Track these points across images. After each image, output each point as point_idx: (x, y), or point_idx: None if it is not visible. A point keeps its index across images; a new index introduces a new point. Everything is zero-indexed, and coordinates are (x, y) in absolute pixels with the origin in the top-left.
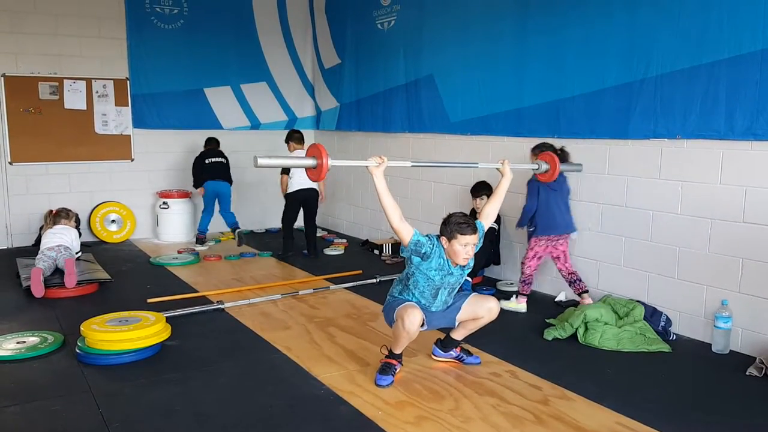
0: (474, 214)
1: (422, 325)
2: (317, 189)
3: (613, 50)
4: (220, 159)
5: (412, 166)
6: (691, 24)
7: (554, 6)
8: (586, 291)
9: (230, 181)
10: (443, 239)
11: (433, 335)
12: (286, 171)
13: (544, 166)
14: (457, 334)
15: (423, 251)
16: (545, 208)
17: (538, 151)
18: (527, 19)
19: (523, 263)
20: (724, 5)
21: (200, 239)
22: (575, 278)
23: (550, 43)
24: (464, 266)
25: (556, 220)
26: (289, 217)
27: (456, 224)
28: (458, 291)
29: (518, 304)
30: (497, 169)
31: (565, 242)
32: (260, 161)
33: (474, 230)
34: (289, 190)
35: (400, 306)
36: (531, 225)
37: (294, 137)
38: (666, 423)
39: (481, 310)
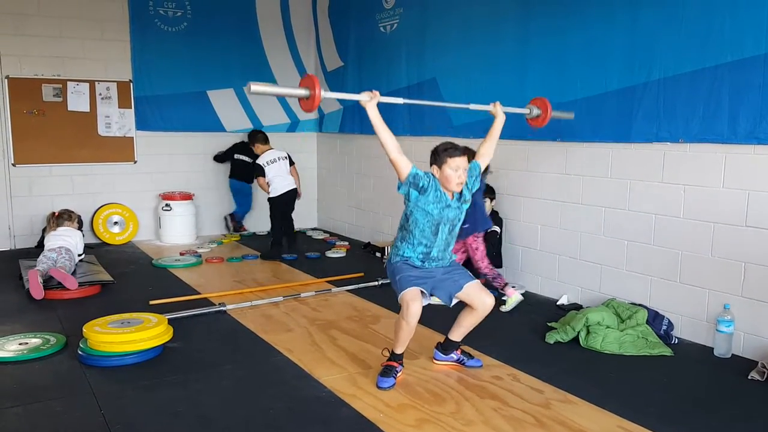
0: None
1: (423, 296)
2: (297, 188)
3: (616, 54)
4: (244, 158)
5: (404, 103)
6: (693, 27)
7: (556, 10)
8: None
9: (249, 181)
10: (434, 168)
11: (434, 340)
12: (261, 173)
13: (536, 111)
14: (455, 335)
15: (420, 184)
16: (480, 208)
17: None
18: (529, 22)
19: (480, 266)
20: (726, 9)
21: (233, 226)
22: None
23: (552, 47)
24: (461, 198)
25: (485, 216)
26: (278, 222)
27: (443, 150)
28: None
29: (512, 296)
30: (489, 111)
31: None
32: (253, 88)
33: (463, 152)
34: (273, 195)
35: (403, 292)
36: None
37: (258, 138)
38: (668, 427)
39: (477, 300)
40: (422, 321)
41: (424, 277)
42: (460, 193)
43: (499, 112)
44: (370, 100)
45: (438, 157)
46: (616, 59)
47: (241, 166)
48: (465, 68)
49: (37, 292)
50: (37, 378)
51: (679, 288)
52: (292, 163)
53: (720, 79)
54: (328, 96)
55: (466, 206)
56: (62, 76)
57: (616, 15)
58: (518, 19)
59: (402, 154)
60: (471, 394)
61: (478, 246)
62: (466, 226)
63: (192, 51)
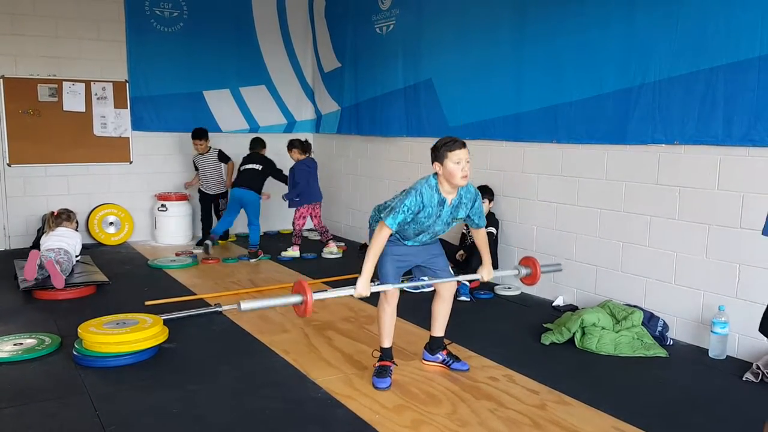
0: None
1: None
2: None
3: (611, 56)
4: (254, 165)
5: (394, 287)
6: (689, 30)
7: (552, 13)
8: (331, 239)
9: (258, 191)
10: (436, 165)
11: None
12: (224, 159)
13: (524, 271)
14: (435, 329)
15: (409, 219)
16: (306, 186)
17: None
18: (526, 24)
19: (294, 223)
20: (721, 12)
21: (208, 239)
22: (324, 230)
23: (548, 49)
24: (453, 212)
25: (314, 193)
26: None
27: (443, 144)
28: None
29: (293, 252)
30: (479, 279)
31: (317, 207)
32: (243, 306)
33: (463, 144)
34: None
35: (385, 289)
36: (297, 197)
37: (295, 145)
38: (663, 428)
39: (439, 284)
40: (416, 321)
41: (405, 260)
42: (458, 206)
43: (487, 277)
44: (364, 290)
45: (438, 152)
46: (612, 61)
47: (249, 174)
48: (461, 70)
49: (31, 272)
50: (31, 379)
51: (675, 289)
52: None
53: (715, 82)
54: (319, 298)
55: (453, 224)
56: (58, 76)
57: (611, 19)
58: (514, 21)
59: (380, 249)
60: (467, 395)
61: (318, 213)
62: (298, 199)
63: (188, 51)
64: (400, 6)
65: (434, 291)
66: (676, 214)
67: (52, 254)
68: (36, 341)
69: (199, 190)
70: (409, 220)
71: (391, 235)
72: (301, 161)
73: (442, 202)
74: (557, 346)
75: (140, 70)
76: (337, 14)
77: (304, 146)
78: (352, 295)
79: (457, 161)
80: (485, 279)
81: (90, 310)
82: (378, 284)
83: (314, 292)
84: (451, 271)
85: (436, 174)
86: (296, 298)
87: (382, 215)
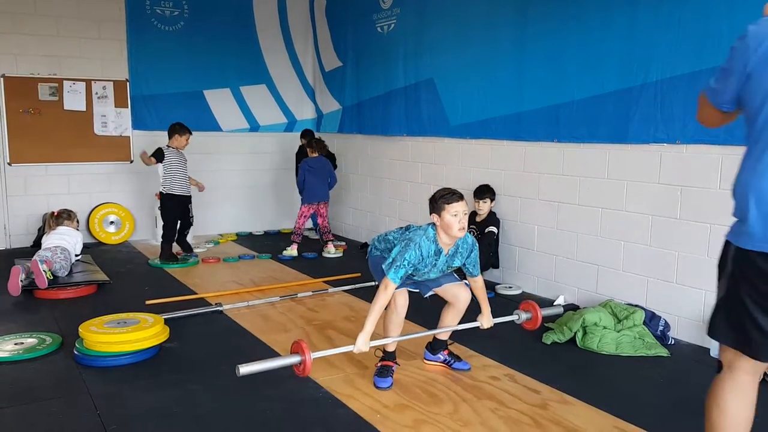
0: (475, 215)
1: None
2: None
3: (613, 56)
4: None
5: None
6: (690, 30)
7: (553, 12)
8: (331, 240)
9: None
10: (434, 217)
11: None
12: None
13: (524, 316)
14: (440, 334)
15: (416, 263)
16: (303, 183)
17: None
18: (527, 22)
19: (297, 222)
20: (723, 11)
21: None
22: (326, 230)
23: (549, 48)
24: (449, 260)
25: (316, 192)
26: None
27: (441, 197)
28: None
29: (291, 251)
30: (479, 326)
31: (322, 206)
32: (242, 370)
33: (460, 197)
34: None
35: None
36: (300, 193)
37: (309, 142)
38: (664, 427)
39: (450, 294)
40: (419, 322)
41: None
42: (453, 255)
43: (486, 325)
44: (363, 347)
45: (436, 204)
46: (614, 61)
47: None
48: (462, 69)
49: (14, 288)
50: (32, 378)
51: (676, 289)
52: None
53: None
54: (318, 356)
55: (447, 270)
56: (58, 75)
57: (613, 17)
58: (516, 21)
59: (384, 305)
60: (468, 395)
61: (323, 213)
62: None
63: (189, 50)
64: (401, 5)
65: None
66: (678, 213)
67: (48, 253)
68: (37, 340)
69: (169, 194)
70: (410, 272)
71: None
72: (307, 159)
73: (438, 252)
74: (558, 345)
75: (141, 69)
76: (338, 13)
77: (312, 144)
78: (352, 351)
79: (455, 213)
80: (484, 327)
81: (91, 310)
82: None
83: (312, 353)
84: (456, 275)
85: (434, 225)
86: (295, 359)
87: (383, 266)
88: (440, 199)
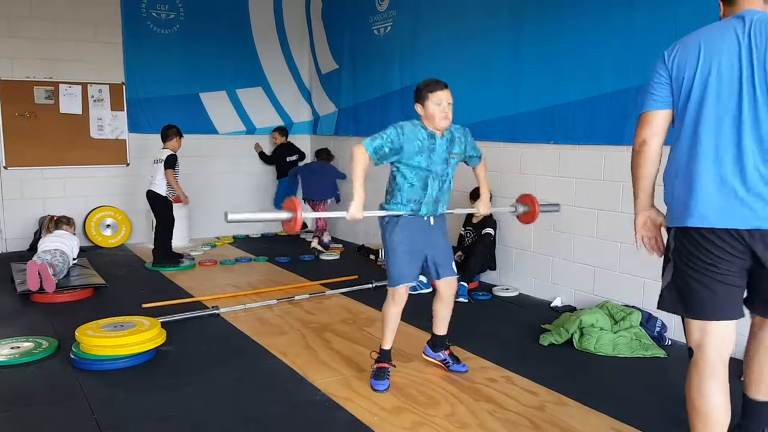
0: (471, 217)
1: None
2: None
3: (609, 57)
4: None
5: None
6: (687, 31)
7: (549, 14)
8: (319, 236)
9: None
10: (417, 107)
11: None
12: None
13: (522, 208)
14: (436, 328)
15: (389, 149)
16: (306, 183)
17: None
18: (523, 24)
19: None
20: (719, 12)
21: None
22: (322, 229)
23: (545, 50)
24: (449, 147)
25: (312, 190)
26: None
27: (425, 86)
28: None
29: (317, 245)
30: (476, 213)
31: (319, 204)
32: (230, 216)
33: (445, 86)
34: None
35: (393, 288)
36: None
37: (319, 153)
38: (661, 428)
39: (439, 285)
40: (415, 323)
41: (413, 248)
42: (451, 140)
43: (482, 210)
44: (357, 213)
45: (420, 94)
46: (611, 62)
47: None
48: (458, 71)
49: (34, 283)
50: (29, 382)
51: None
52: (166, 167)
53: None
54: (309, 216)
55: (454, 162)
56: (54, 78)
57: (609, 18)
58: (511, 23)
59: (363, 170)
60: (465, 397)
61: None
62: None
63: (185, 53)
64: (396, 7)
65: (434, 291)
66: None
67: (48, 255)
68: (33, 344)
69: (168, 198)
70: (387, 151)
71: (394, 204)
72: (310, 163)
73: (432, 135)
74: (555, 347)
75: (137, 72)
76: (334, 15)
77: (318, 152)
78: (345, 217)
79: (438, 102)
80: (481, 212)
81: (87, 313)
82: (374, 209)
83: (304, 212)
84: (455, 267)
85: (419, 117)
86: (286, 215)
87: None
88: (424, 89)
